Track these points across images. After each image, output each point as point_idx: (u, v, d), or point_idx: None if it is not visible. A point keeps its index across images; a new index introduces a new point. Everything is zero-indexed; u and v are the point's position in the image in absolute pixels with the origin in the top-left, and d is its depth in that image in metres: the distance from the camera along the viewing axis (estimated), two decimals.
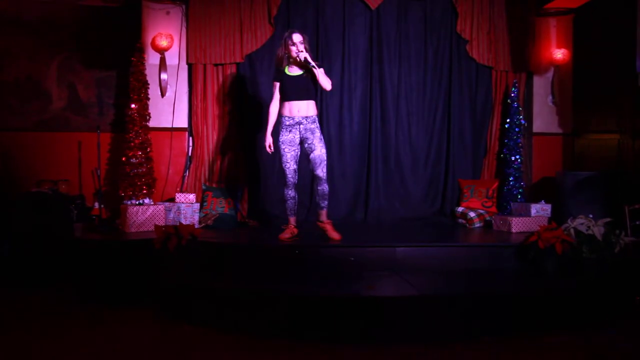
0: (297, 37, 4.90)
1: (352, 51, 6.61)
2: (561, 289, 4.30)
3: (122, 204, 5.66)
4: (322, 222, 5.11)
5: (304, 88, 4.93)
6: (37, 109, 6.75)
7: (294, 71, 4.97)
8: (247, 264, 4.79)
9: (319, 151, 4.94)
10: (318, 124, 5.02)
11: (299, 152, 5.04)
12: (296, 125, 4.95)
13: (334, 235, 5.04)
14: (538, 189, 6.74)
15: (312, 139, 4.94)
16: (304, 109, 4.93)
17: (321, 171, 4.97)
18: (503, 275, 4.66)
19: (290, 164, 4.99)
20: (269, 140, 5.09)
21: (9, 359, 3.57)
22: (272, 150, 5.10)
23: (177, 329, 4.13)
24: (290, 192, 5.08)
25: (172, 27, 6.45)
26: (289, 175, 5.01)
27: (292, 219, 5.15)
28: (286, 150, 4.98)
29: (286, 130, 4.97)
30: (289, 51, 4.91)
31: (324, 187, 5.03)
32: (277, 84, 5.05)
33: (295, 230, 5.12)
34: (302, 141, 5.00)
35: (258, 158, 6.56)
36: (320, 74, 4.85)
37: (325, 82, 4.88)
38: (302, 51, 4.85)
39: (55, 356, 3.61)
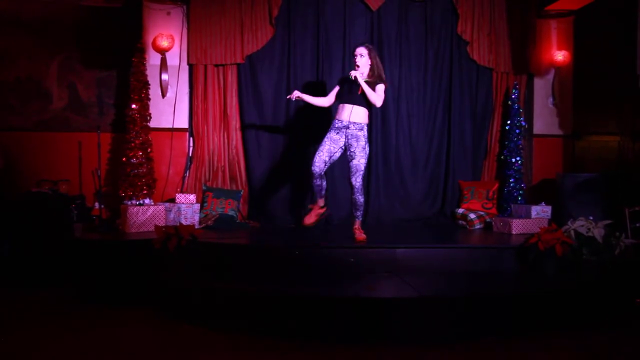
0: (358, 50, 5.06)
1: (352, 52, 6.57)
2: (561, 291, 4.30)
3: (123, 204, 5.66)
4: (353, 229, 5.17)
5: (356, 94, 4.96)
6: (38, 109, 6.74)
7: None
8: (247, 265, 4.79)
9: (358, 160, 4.98)
10: (365, 133, 5.02)
11: (337, 153, 5.08)
12: (343, 129, 5.01)
13: (360, 236, 5.09)
14: (538, 190, 6.74)
15: (356, 147, 4.99)
16: (354, 114, 4.98)
17: (355, 180, 5.01)
18: (503, 277, 4.66)
19: (323, 154, 5.03)
20: (297, 92, 5.20)
21: (9, 359, 3.56)
22: (292, 98, 5.17)
23: (177, 329, 4.12)
24: (316, 181, 5.10)
25: (173, 27, 6.45)
26: (315, 164, 5.02)
27: (320, 201, 5.24)
28: (327, 143, 5.03)
29: (334, 131, 5.05)
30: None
31: (357, 197, 5.07)
32: (337, 87, 5.27)
33: (321, 210, 5.24)
34: (346, 147, 5.06)
35: (258, 158, 6.56)
36: (367, 90, 4.91)
37: (374, 98, 4.94)
38: (356, 67, 5.01)
39: (55, 356, 3.61)
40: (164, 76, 6.43)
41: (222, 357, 3.64)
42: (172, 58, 6.46)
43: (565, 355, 3.71)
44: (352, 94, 5.00)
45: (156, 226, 4.96)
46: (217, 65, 6.45)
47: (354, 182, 5.01)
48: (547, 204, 5.85)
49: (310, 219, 5.23)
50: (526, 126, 6.69)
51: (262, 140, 6.58)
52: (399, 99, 6.68)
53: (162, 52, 6.38)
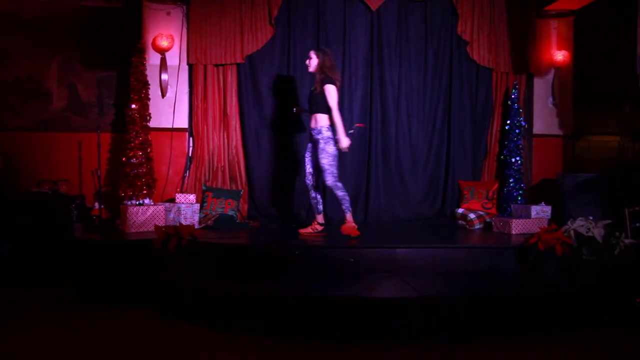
0: (309, 54, 5.28)
1: (352, 52, 6.62)
2: (561, 291, 4.30)
3: (122, 204, 5.66)
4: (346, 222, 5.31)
5: (313, 102, 5.24)
6: (38, 109, 6.75)
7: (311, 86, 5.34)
8: (247, 265, 4.79)
9: (321, 161, 5.17)
10: (325, 134, 5.13)
11: (314, 159, 5.33)
12: (312, 137, 5.29)
13: (351, 231, 5.23)
14: (538, 190, 6.74)
15: (317, 148, 5.20)
16: (315, 120, 5.22)
17: (326, 180, 5.20)
18: (503, 277, 4.66)
19: (306, 166, 5.39)
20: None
21: (9, 359, 3.57)
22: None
23: (176, 329, 4.13)
24: (311, 194, 5.43)
25: (172, 27, 6.45)
26: (306, 177, 5.42)
27: (319, 217, 5.47)
28: (307, 155, 5.40)
29: (309, 141, 5.38)
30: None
31: (336, 193, 5.23)
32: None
33: (319, 227, 5.44)
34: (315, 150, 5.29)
35: (258, 159, 6.56)
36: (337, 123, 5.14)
37: (335, 116, 5.13)
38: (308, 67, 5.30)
39: (55, 356, 3.61)
40: (164, 76, 6.43)
41: (221, 357, 3.64)
42: (172, 58, 6.46)
43: (565, 355, 3.71)
44: (311, 103, 5.27)
45: (156, 226, 4.96)
46: (217, 65, 6.45)
47: (327, 183, 5.22)
48: (547, 204, 5.85)
49: (304, 231, 5.41)
50: (526, 126, 6.70)
51: (262, 140, 6.58)
52: (399, 99, 6.68)
53: (162, 52, 6.38)
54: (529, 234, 5.04)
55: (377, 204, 6.60)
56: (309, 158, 5.37)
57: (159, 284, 4.61)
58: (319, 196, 5.44)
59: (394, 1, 6.62)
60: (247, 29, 6.40)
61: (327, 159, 5.15)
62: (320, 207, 5.47)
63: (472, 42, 6.67)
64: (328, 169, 5.15)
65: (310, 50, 5.37)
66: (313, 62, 5.22)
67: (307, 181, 5.40)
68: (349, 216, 5.27)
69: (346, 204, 5.24)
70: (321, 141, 5.15)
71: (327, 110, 5.13)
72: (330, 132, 5.16)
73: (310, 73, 5.35)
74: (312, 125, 5.24)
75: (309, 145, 5.38)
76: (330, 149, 5.14)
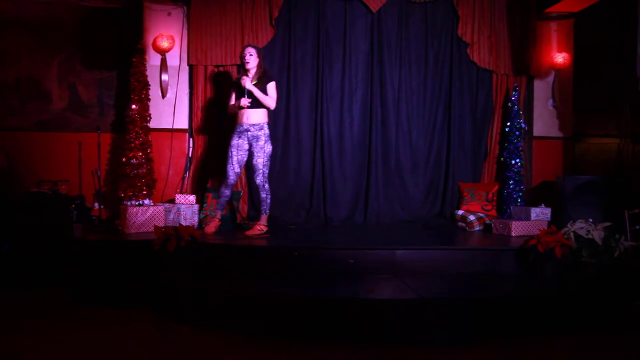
0: (247, 50, 5.31)
1: (353, 54, 6.62)
2: (560, 293, 4.30)
3: (122, 205, 5.66)
4: (258, 224, 5.43)
5: (253, 98, 5.24)
6: (38, 109, 6.74)
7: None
8: (246, 265, 4.79)
9: (256, 160, 5.27)
10: (266, 132, 5.27)
11: (245, 158, 5.37)
12: (245, 132, 5.28)
13: (256, 230, 5.38)
14: (538, 192, 6.74)
15: (255, 146, 5.27)
16: (252, 116, 5.26)
17: (257, 179, 5.32)
18: (502, 279, 4.66)
19: (234, 166, 5.35)
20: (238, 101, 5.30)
21: (9, 358, 3.56)
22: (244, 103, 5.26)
23: (176, 329, 4.13)
24: (226, 192, 5.41)
25: (173, 28, 6.45)
26: (230, 177, 5.36)
27: (218, 214, 5.52)
28: (234, 153, 5.33)
29: (237, 136, 5.32)
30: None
31: (260, 194, 5.38)
32: (233, 93, 5.49)
33: (219, 222, 5.49)
34: (249, 148, 5.33)
35: None
36: (259, 96, 5.20)
37: (268, 102, 5.24)
38: (246, 66, 5.29)
39: (54, 356, 3.61)
40: (164, 77, 6.44)
41: (221, 358, 3.64)
42: (173, 59, 6.46)
43: (565, 358, 3.71)
44: (245, 97, 5.24)
45: (156, 227, 4.96)
46: (217, 66, 6.45)
47: (256, 181, 5.31)
48: (546, 206, 5.85)
49: (250, 232, 5.41)
50: (526, 128, 6.70)
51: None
52: (399, 101, 6.68)
53: (163, 52, 6.38)
54: (528, 236, 5.04)
55: (376, 205, 6.60)
56: (237, 157, 5.31)
57: (158, 284, 4.61)
58: (264, 195, 5.40)
59: (394, 3, 6.62)
60: (248, 30, 6.40)
61: (264, 158, 5.25)
62: (225, 204, 5.51)
63: (472, 44, 6.67)
64: (262, 169, 5.27)
65: (247, 47, 5.35)
66: (253, 59, 5.26)
67: (232, 180, 5.36)
68: (264, 218, 5.41)
69: (266, 206, 5.38)
70: (262, 138, 5.24)
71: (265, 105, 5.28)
72: (269, 130, 5.30)
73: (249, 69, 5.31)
74: (252, 121, 5.24)
75: (237, 142, 5.29)
76: (268, 148, 5.27)
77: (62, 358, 3.59)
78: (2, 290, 5.17)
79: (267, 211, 5.42)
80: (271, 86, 5.27)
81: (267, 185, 5.34)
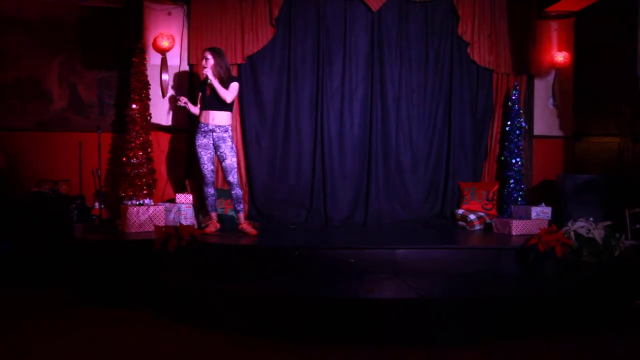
0: (205, 54, 5.34)
1: (353, 53, 6.61)
2: (561, 292, 4.29)
3: (123, 205, 5.66)
4: (241, 224, 5.47)
5: (215, 99, 5.28)
6: (38, 109, 6.73)
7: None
8: (247, 265, 4.79)
9: (230, 160, 5.31)
10: (230, 134, 5.35)
11: (214, 155, 5.42)
12: (210, 132, 5.31)
13: (251, 231, 5.42)
14: (538, 191, 6.74)
15: (224, 148, 5.30)
16: (217, 118, 5.30)
17: (232, 177, 5.36)
18: (503, 278, 4.66)
19: (207, 166, 5.40)
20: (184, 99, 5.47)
21: (8, 358, 3.56)
22: (181, 102, 5.45)
23: (176, 329, 4.12)
24: (210, 190, 5.47)
25: (173, 27, 6.45)
26: (207, 178, 5.43)
27: (214, 215, 5.54)
28: (202, 154, 5.38)
29: (201, 136, 5.35)
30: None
31: (237, 192, 5.40)
32: (200, 94, 5.52)
33: (218, 225, 5.51)
34: (215, 148, 5.37)
35: (258, 159, 6.56)
36: (217, 86, 5.22)
37: (224, 94, 5.23)
38: (204, 69, 5.31)
39: (54, 356, 3.61)
40: (165, 76, 6.43)
41: (221, 358, 3.64)
42: (173, 58, 6.46)
43: (565, 357, 3.70)
44: (211, 98, 5.29)
45: (156, 226, 4.96)
46: None
47: (231, 180, 5.36)
48: (547, 205, 5.84)
49: (210, 229, 5.44)
50: (526, 127, 6.69)
51: (262, 140, 6.58)
52: (399, 100, 6.68)
53: (163, 52, 6.38)
54: (529, 235, 5.03)
55: (377, 205, 6.59)
56: (207, 156, 5.38)
57: (158, 284, 4.61)
58: (215, 192, 5.55)
59: (394, 2, 6.61)
60: (248, 29, 6.40)
61: (235, 157, 5.36)
62: (215, 204, 5.58)
63: (472, 43, 6.66)
64: (236, 167, 5.36)
65: (205, 50, 5.39)
66: (210, 62, 5.27)
67: (211, 179, 5.45)
68: (242, 216, 5.48)
69: (241, 205, 5.43)
70: (229, 139, 5.32)
71: (230, 108, 5.36)
72: (232, 131, 5.43)
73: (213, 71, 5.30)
74: (217, 122, 5.28)
75: (202, 141, 5.33)
76: (234, 147, 5.38)
77: (62, 358, 3.59)
78: (2, 290, 5.17)
79: (243, 209, 5.54)
80: (233, 85, 5.31)
81: (239, 182, 5.47)
